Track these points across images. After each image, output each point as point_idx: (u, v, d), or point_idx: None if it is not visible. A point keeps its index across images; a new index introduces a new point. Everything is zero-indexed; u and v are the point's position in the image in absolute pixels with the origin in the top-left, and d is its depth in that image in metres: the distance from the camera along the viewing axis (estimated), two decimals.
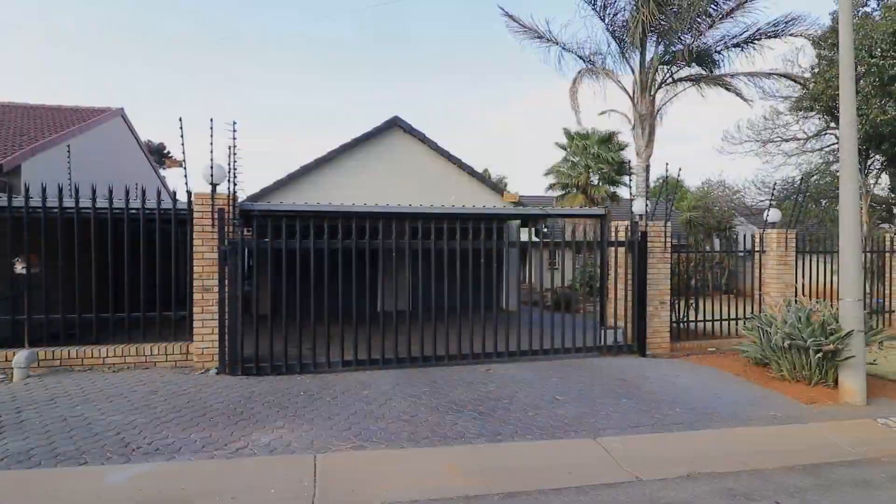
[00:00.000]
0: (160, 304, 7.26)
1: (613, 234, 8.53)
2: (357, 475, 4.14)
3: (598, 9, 13.99)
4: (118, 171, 12.06)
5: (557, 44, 14.72)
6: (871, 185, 14.76)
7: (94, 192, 7.11)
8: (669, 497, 3.89)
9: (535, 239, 8.03)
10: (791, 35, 13.57)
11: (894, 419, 5.51)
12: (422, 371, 7.17)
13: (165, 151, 32.23)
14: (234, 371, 6.79)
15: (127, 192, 7.27)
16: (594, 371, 7.30)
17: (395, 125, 13.26)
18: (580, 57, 14.78)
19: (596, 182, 23.07)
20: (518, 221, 13.89)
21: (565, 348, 8.09)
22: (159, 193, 7.32)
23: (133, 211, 7.20)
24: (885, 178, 15.37)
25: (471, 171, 13.67)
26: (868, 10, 12.91)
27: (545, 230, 16.53)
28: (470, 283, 7.61)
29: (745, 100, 14.59)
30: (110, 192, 7.14)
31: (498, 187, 14.49)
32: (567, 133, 23.98)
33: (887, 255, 10.76)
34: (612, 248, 8.67)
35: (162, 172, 20.00)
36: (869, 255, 10.61)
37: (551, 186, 24.36)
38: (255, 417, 5.24)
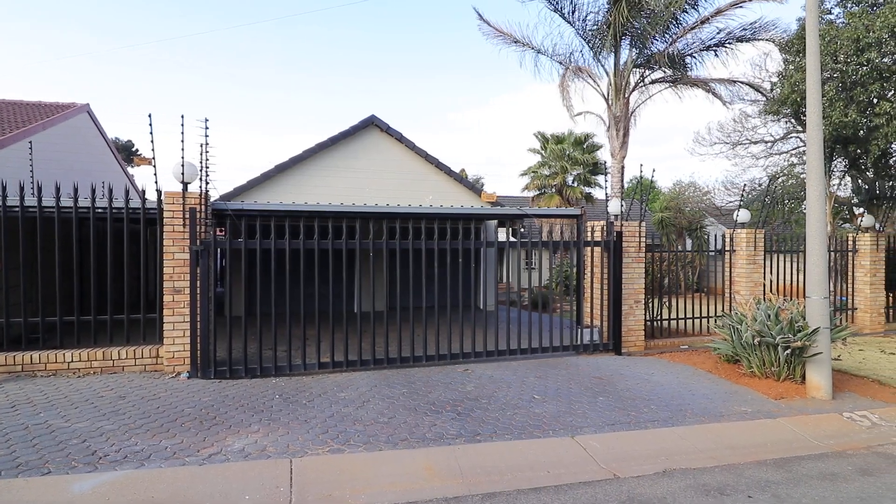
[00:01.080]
0: (129, 307, 7.04)
1: (589, 234, 8.62)
2: (335, 479, 4.08)
3: (566, 15, 14.09)
4: (84, 169, 11.68)
5: (533, 48, 14.78)
6: (836, 187, 15.28)
7: (57, 190, 6.84)
8: (646, 494, 3.94)
9: (512, 239, 8.06)
10: (760, 40, 13.95)
11: (859, 413, 5.70)
12: (399, 372, 7.12)
13: (134, 149, 31.43)
14: (207, 374, 6.62)
15: (93, 191, 7.02)
16: (571, 370, 7.36)
17: (371, 124, 13.16)
18: (557, 61, 14.89)
19: (571, 183, 23.36)
20: (495, 221, 13.93)
21: (543, 348, 8.14)
22: (127, 192, 7.10)
23: (99, 210, 6.96)
24: (848, 180, 15.94)
25: (448, 171, 13.66)
26: (832, 16, 13.34)
27: (522, 230, 16.66)
28: (448, 283, 7.59)
29: (722, 100, 14.92)
30: (75, 190, 6.88)
31: (475, 187, 14.51)
32: (541, 136, 24.23)
33: (850, 254, 11.15)
34: (588, 248, 8.77)
35: (131, 171, 19.45)
36: (833, 254, 10.98)
37: (527, 187, 24.58)
38: (228, 422, 5.11)
